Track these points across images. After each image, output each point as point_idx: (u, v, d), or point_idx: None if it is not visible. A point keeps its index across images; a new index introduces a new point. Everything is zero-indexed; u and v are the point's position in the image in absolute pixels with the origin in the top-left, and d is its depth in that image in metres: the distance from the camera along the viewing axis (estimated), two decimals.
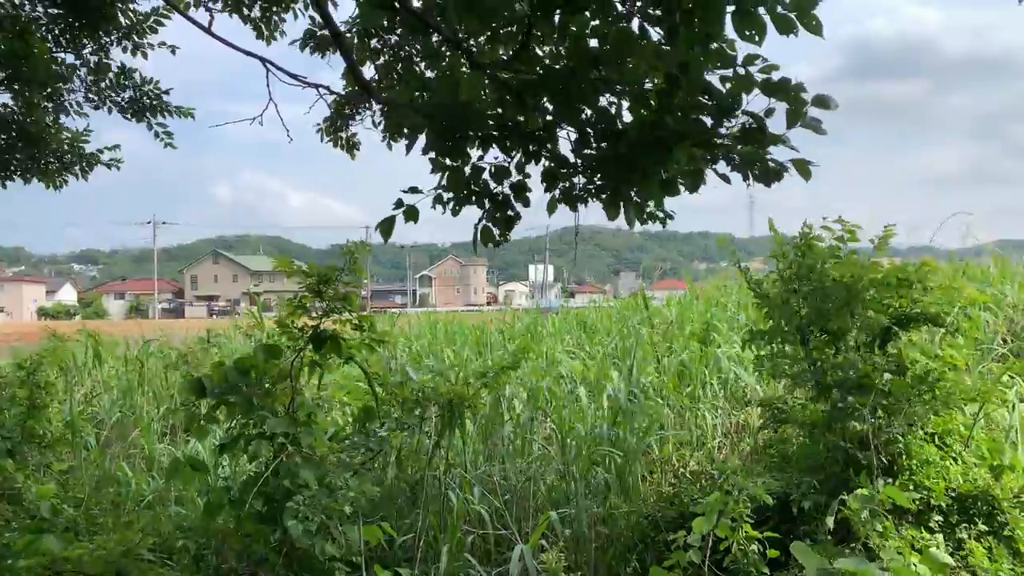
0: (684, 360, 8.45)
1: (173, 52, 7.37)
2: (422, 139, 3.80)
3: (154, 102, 7.30)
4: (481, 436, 6.42)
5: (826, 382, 4.69)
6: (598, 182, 3.68)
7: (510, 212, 4.00)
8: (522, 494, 5.62)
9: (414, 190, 3.83)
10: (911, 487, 4.35)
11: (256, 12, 6.67)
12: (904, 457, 4.58)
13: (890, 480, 4.42)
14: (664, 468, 6.34)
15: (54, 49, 6.67)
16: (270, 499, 3.75)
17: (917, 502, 4.22)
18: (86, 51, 7.01)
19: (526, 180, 3.92)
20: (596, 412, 7.11)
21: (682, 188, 3.56)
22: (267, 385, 3.86)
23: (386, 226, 3.85)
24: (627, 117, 3.47)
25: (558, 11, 3.23)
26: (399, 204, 3.83)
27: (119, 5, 6.81)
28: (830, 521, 4.11)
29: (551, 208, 3.90)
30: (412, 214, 3.86)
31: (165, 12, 6.99)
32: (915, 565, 3.51)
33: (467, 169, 3.88)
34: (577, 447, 6.02)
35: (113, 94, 7.26)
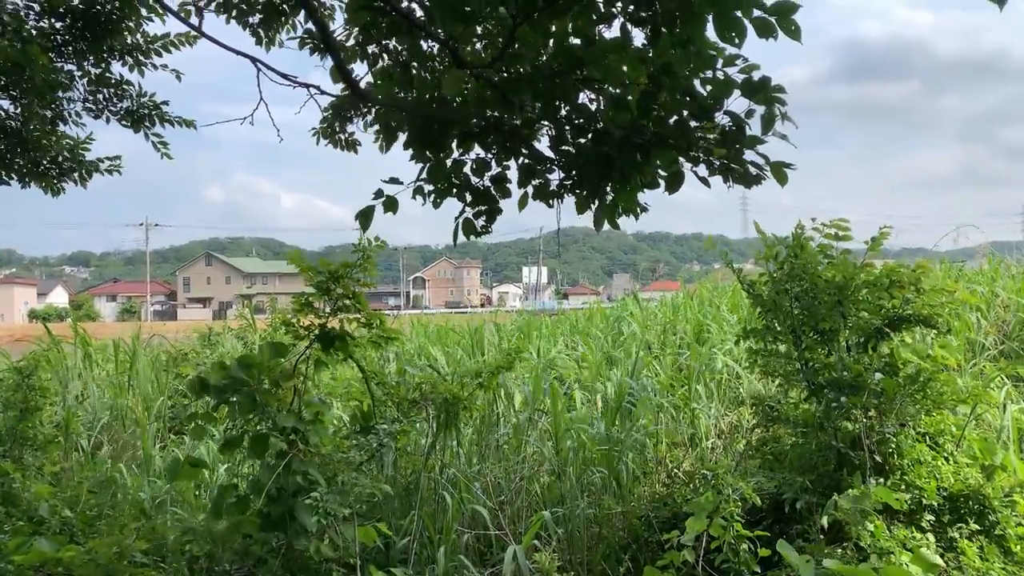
0: (678, 360, 8.47)
1: (179, 78, 7.46)
2: (403, 137, 3.87)
3: (152, 112, 7.33)
4: (476, 436, 6.43)
5: (818, 382, 4.71)
6: (575, 177, 3.73)
7: (492, 204, 4.05)
8: (517, 494, 5.63)
9: (394, 181, 3.88)
10: (903, 487, 4.38)
11: (256, 19, 6.68)
12: (896, 457, 4.61)
13: (882, 480, 4.44)
14: (658, 468, 6.36)
15: (55, 60, 6.68)
16: (273, 500, 3.74)
17: (909, 501, 4.24)
18: (87, 63, 7.02)
19: (506, 172, 3.97)
20: (590, 412, 7.13)
21: (662, 187, 3.62)
22: (265, 384, 3.84)
23: (365, 215, 3.89)
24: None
25: (541, 13, 3.26)
26: (379, 194, 3.86)
27: (127, 23, 6.81)
28: (823, 521, 4.12)
29: (522, 204, 3.98)
30: (391, 205, 3.91)
31: (175, 41, 7.05)
32: (906, 565, 3.53)
33: (448, 162, 3.93)
34: (574, 447, 6.03)
35: (111, 105, 7.28)
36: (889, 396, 4.56)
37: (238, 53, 5.81)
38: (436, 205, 4.05)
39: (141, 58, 7.09)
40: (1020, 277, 10.36)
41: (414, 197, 3.99)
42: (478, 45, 4.43)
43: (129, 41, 6.97)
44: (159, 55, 7.15)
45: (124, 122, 7.36)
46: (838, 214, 4.98)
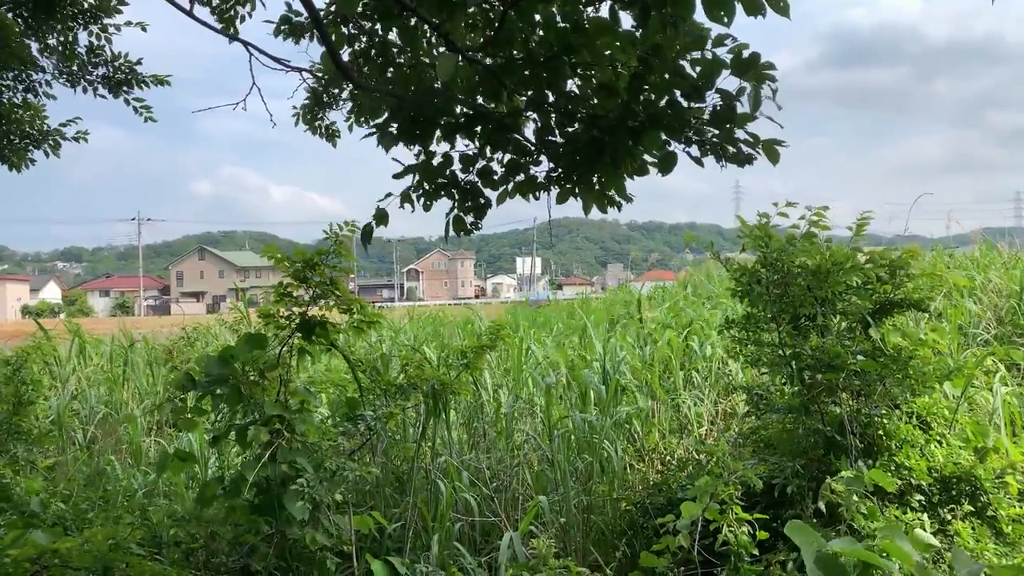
0: (667, 348, 8.49)
1: (144, 29, 7.28)
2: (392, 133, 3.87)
3: (127, 75, 7.24)
4: (465, 424, 6.44)
5: (799, 366, 4.73)
6: (561, 170, 3.71)
7: (480, 200, 4.04)
8: (509, 482, 5.64)
9: (388, 195, 3.95)
10: (892, 468, 4.40)
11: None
12: (884, 439, 4.63)
13: (870, 462, 4.47)
14: (651, 456, 6.38)
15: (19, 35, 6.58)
16: (263, 489, 3.74)
17: (899, 482, 4.27)
18: (52, 36, 6.92)
19: (491, 164, 3.95)
20: (576, 399, 7.14)
21: (654, 172, 3.59)
22: (252, 375, 3.84)
23: (366, 234, 4.00)
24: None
25: None
26: (380, 214, 3.95)
27: None
28: (820, 504, 4.14)
29: (500, 199, 3.98)
30: (382, 218, 3.98)
31: None
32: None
33: (435, 161, 3.93)
34: (561, 434, 6.05)
35: (86, 72, 7.18)
36: (872, 377, 4.58)
37: (232, 38, 5.78)
38: (427, 208, 4.06)
39: (105, 19, 6.97)
40: (1012, 263, 10.40)
41: (402, 205, 3.99)
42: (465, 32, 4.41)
43: (85, 5, 6.84)
44: (118, 12, 7.01)
45: (101, 90, 7.27)
46: (832, 201, 4.98)
